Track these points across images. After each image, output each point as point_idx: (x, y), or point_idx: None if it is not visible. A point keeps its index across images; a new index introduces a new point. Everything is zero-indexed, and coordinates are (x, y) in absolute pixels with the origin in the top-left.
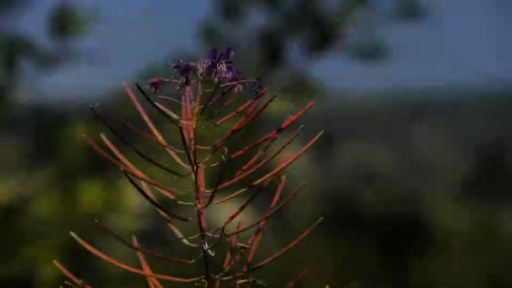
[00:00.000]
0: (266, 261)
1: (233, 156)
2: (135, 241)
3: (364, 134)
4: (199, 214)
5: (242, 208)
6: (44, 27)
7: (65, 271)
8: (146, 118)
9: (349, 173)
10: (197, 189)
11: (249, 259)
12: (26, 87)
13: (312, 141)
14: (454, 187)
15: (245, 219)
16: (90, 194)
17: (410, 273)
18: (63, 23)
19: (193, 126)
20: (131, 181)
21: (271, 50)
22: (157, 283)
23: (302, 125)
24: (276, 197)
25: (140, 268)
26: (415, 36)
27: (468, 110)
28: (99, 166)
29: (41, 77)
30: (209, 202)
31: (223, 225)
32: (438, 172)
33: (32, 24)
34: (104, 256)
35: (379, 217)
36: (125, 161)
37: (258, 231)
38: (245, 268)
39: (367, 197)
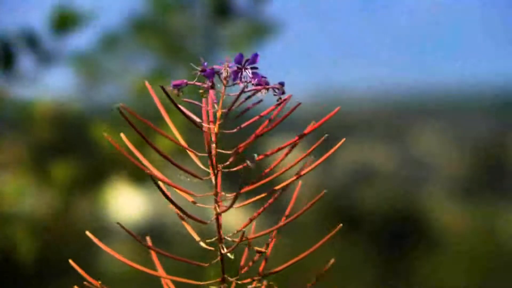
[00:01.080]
0: (283, 266)
1: (254, 162)
2: (148, 240)
3: (364, 134)
4: (217, 217)
5: (260, 212)
6: (43, 23)
7: (82, 272)
8: (168, 119)
9: (349, 173)
10: (216, 193)
11: (264, 262)
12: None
13: (334, 148)
14: (453, 187)
15: (252, 222)
16: (63, 173)
17: (410, 272)
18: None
19: (216, 130)
20: (156, 183)
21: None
22: (171, 285)
23: (327, 134)
24: (291, 203)
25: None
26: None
27: (468, 110)
28: (71, 146)
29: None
30: (231, 206)
31: (241, 229)
32: (438, 172)
33: (30, 19)
34: (116, 255)
35: (379, 217)
36: (146, 162)
37: (273, 236)
38: (261, 272)
39: (367, 197)
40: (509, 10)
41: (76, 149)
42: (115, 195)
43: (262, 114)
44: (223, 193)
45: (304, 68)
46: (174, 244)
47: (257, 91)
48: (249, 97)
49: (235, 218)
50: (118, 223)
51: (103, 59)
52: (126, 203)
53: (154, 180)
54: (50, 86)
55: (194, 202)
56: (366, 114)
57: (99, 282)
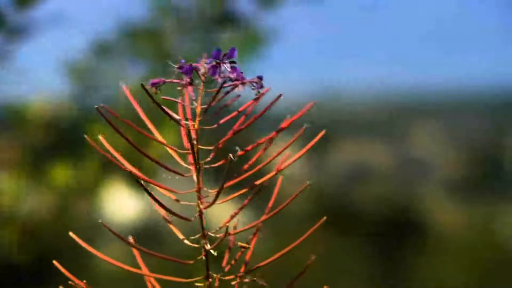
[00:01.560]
0: (267, 261)
1: (237, 156)
2: (132, 240)
3: (361, 133)
4: (201, 214)
5: (241, 207)
6: None
7: (66, 273)
8: (144, 118)
9: (345, 172)
10: (199, 190)
11: (248, 258)
12: None
13: (313, 141)
14: (451, 187)
15: (237, 218)
16: (60, 174)
17: (406, 272)
18: None
19: (196, 126)
20: (137, 181)
21: (221, 8)
22: (155, 283)
23: (306, 125)
24: (273, 197)
25: (134, 268)
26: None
27: (466, 110)
28: (67, 146)
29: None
30: (213, 202)
31: (224, 224)
32: (436, 172)
33: None
34: (101, 255)
35: (377, 217)
36: (125, 162)
37: (256, 231)
38: (244, 268)
39: (365, 197)
40: (506, 10)
41: (72, 150)
42: (112, 196)
43: (240, 109)
44: (205, 189)
45: (303, 68)
46: (171, 243)
47: (236, 86)
48: (227, 92)
49: (227, 214)
50: (100, 221)
51: (97, 65)
52: (122, 203)
53: (135, 177)
54: (46, 87)
55: (177, 200)
56: (364, 113)
57: (84, 282)
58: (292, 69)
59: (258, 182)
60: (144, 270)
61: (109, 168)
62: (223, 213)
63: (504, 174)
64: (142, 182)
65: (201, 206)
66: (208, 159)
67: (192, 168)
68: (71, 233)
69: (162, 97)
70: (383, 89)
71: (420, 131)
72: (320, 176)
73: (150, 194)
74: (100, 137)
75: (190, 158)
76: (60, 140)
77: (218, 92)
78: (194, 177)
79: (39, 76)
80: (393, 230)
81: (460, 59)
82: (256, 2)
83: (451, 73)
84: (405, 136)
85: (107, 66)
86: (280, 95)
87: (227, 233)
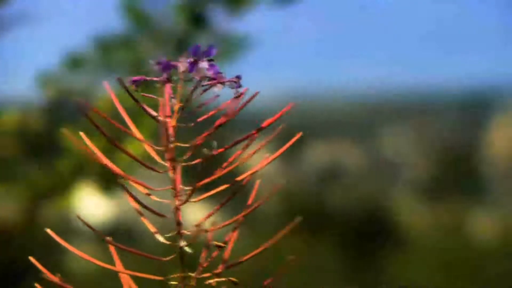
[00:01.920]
0: (242, 259)
1: (215, 153)
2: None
3: (333, 135)
4: (176, 211)
5: (220, 206)
6: None
7: (42, 268)
8: (124, 113)
9: (317, 172)
10: (175, 187)
11: (225, 257)
12: None
13: (288, 144)
14: (421, 187)
15: (212, 218)
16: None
17: (378, 271)
18: None
19: (173, 123)
20: (115, 175)
21: (194, 13)
22: (130, 281)
23: (281, 125)
24: (252, 197)
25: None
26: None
27: (436, 111)
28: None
29: None
30: (188, 199)
31: (199, 222)
32: (406, 173)
33: None
34: (78, 252)
35: (348, 217)
36: (105, 158)
37: (233, 229)
38: (221, 266)
39: (337, 197)
40: (506, 10)
41: (43, 157)
42: (84, 200)
43: (218, 108)
44: (181, 187)
45: (275, 71)
46: (143, 247)
47: (213, 84)
48: (205, 90)
49: (194, 214)
50: (78, 216)
51: (70, 77)
52: (94, 207)
53: (113, 172)
54: (18, 97)
55: (148, 194)
56: (337, 114)
57: (58, 275)
58: (263, 72)
59: (235, 180)
60: (119, 267)
61: (81, 172)
62: (201, 215)
63: (473, 174)
64: (118, 177)
65: (176, 203)
66: (185, 157)
67: (168, 165)
68: (48, 230)
69: (142, 94)
70: (356, 90)
71: (391, 132)
72: (294, 176)
73: (125, 188)
74: (81, 133)
75: (167, 155)
76: (32, 148)
77: (195, 89)
78: (171, 174)
79: (11, 86)
80: (364, 229)
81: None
82: (225, 8)
83: (426, 75)
84: (378, 137)
85: (81, 77)
86: (256, 93)
87: (201, 229)
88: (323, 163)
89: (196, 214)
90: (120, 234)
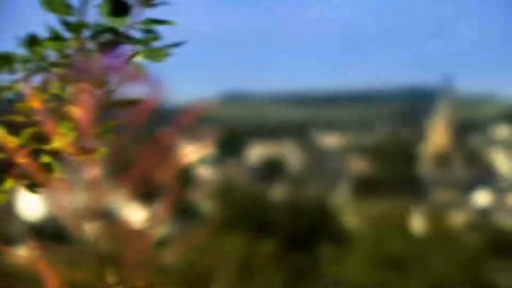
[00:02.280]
0: (168, 257)
1: (135, 150)
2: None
3: (275, 136)
4: (95, 207)
5: (158, 205)
6: None
7: None
8: (43, 111)
9: (259, 172)
10: (94, 184)
11: (150, 254)
12: None
13: (214, 142)
14: (361, 185)
15: (140, 215)
16: None
17: (318, 268)
18: None
19: (91, 122)
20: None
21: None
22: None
23: (208, 128)
24: (177, 194)
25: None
26: (326, 42)
27: (376, 111)
28: None
29: None
30: (106, 196)
31: (125, 219)
32: (346, 172)
33: None
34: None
35: (288, 215)
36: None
37: (154, 225)
38: (148, 266)
39: (277, 197)
40: (506, 10)
41: None
42: (16, 200)
43: (135, 105)
44: (103, 184)
45: (215, 76)
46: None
47: (131, 80)
48: (115, 88)
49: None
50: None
51: None
52: (27, 207)
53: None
54: None
55: (69, 191)
56: (279, 117)
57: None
58: (201, 75)
59: (161, 178)
60: (49, 268)
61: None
62: (133, 213)
63: (413, 173)
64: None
65: (94, 199)
66: (106, 153)
67: (87, 162)
68: None
69: (57, 93)
70: (297, 93)
71: (332, 132)
72: (232, 178)
73: (39, 187)
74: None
75: (86, 151)
76: None
77: (110, 90)
78: (91, 172)
79: None
80: (304, 227)
81: (369, 63)
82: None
83: (361, 75)
84: (318, 138)
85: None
86: (164, 85)
87: (125, 225)
88: (264, 164)
89: (128, 212)
90: (58, 228)
